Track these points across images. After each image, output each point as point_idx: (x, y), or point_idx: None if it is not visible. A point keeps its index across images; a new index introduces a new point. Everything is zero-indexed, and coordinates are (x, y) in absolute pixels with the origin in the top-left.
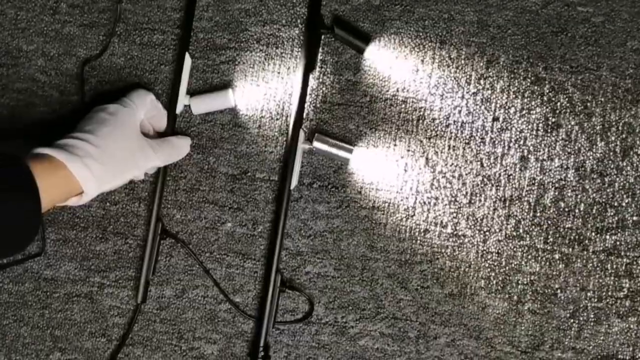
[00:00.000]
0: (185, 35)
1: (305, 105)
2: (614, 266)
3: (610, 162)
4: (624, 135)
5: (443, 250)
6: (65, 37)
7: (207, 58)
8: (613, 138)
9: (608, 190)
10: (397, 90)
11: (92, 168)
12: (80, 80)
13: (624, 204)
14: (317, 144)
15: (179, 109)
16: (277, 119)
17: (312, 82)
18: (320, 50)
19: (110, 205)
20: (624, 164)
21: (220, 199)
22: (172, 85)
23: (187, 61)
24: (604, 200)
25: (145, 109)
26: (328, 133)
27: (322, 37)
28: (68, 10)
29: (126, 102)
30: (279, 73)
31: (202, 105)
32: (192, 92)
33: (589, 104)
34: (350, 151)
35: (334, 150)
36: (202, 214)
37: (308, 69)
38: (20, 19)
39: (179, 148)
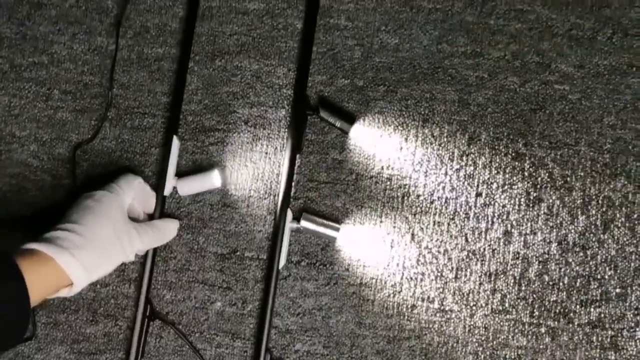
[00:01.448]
0: (173, 118)
1: (293, 185)
2: (600, 339)
3: (591, 235)
4: (604, 209)
5: (431, 326)
6: (57, 122)
7: (197, 140)
8: (594, 212)
9: (591, 263)
10: (382, 168)
11: (81, 259)
12: (72, 165)
13: (606, 277)
14: (304, 224)
15: (168, 190)
16: (265, 198)
17: (299, 162)
18: (307, 130)
19: (100, 287)
20: (605, 237)
21: (209, 279)
22: (160, 168)
23: (175, 144)
24: (587, 273)
25: (133, 192)
26: (315, 212)
27: (308, 118)
28: (61, 96)
29: (113, 188)
30: (266, 153)
31: (188, 186)
32: (181, 174)
33: (568, 179)
34: (337, 230)
35: (321, 230)
36: (192, 293)
37: (295, 149)
38: (14, 105)
39: (165, 231)
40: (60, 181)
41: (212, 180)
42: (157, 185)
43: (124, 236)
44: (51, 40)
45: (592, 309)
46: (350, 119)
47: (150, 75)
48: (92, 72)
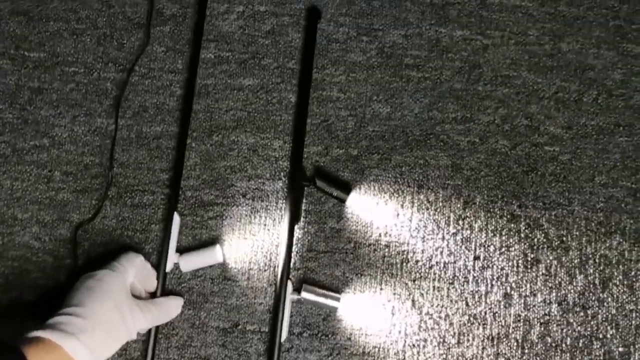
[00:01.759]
0: (173, 195)
1: (292, 256)
2: None
3: (591, 294)
4: (601, 268)
5: None
6: (59, 203)
7: (196, 215)
8: (591, 271)
9: (592, 322)
10: (380, 235)
11: (87, 343)
12: (73, 245)
13: (608, 336)
14: (305, 295)
15: (169, 267)
16: (265, 270)
17: (298, 232)
18: (304, 201)
19: None
20: (605, 295)
21: (212, 354)
22: (160, 245)
23: (176, 220)
24: (589, 333)
25: (135, 270)
26: (315, 282)
27: (305, 189)
28: (62, 177)
29: (114, 266)
30: (265, 225)
31: (191, 262)
32: (181, 250)
33: (564, 239)
34: (338, 299)
35: (322, 300)
36: None
37: (293, 220)
38: (16, 188)
39: (169, 309)
40: (61, 262)
41: (215, 255)
42: (159, 262)
43: (127, 315)
44: (52, 123)
45: None
46: (347, 188)
47: (149, 153)
48: (92, 153)
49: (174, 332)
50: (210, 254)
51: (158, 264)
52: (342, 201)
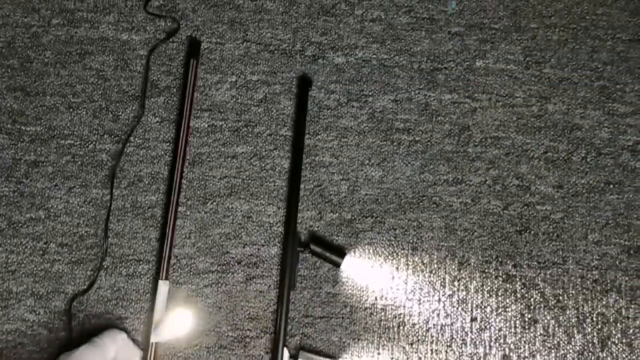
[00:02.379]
0: (165, 262)
1: (288, 321)
2: None
3: (590, 354)
4: (599, 326)
5: None
6: (54, 275)
7: (191, 282)
8: (589, 329)
9: None
10: (376, 299)
11: None
12: (68, 317)
13: None
14: None
15: (157, 338)
16: (261, 338)
17: (293, 298)
18: (299, 266)
19: None
20: (604, 354)
21: None
22: (149, 314)
23: (163, 288)
24: None
25: (116, 347)
26: (312, 349)
27: (300, 254)
28: (57, 249)
29: (94, 342)
30: (260, 292)
31: (168, 331)
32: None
33: (561, 298)
34: None
35: None
36: None
37: (288, 286)
38: (11, 262)
39: None
40: (56, 334)
41: (189, 321)
42: (147, 332)
43: None
44: (48, 195)
45: None
46: (341, 252)
47: (144, 222)
48: (87, 224)
49: None
50: (184, 320)
51: (147, 333)
52: (337, 265)
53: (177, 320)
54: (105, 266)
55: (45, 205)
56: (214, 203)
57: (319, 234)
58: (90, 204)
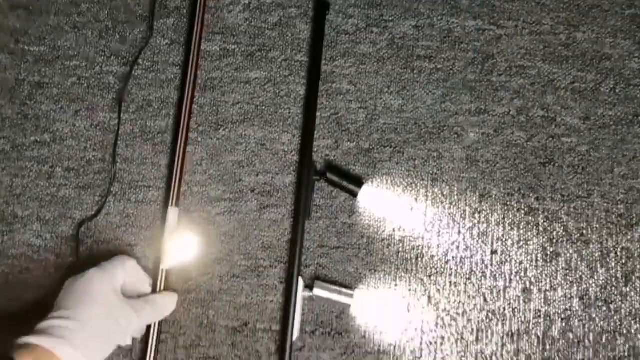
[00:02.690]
0: (176, 189)
1: (303, 252)
2: None
3: (613, 288)
4: (623, 261)
5: None
6: (60, 200)
7: (203, 210)
8: (613, 264)
9: (615, 317)
10: (394, 230)
11: (78, 347)
12: (76, 242)
13: (632, 331)
14: (317, 292)
15: (167, 265)
16: (275, 267)
17: (309, 228)
18: (315, 195)
19: None
20: (628, 289)
21: (221, 354)
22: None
23: (173, 214)
24: (612, 328)
25: (125, 272)
26: (328, 279)
27: (316, 183)
28: (64, 174)
29: (102, 265)
30: (275, 221)
31: (175, 258)
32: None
33: (584, 232)
34: (351, 296)
35: (335, 297)
36: None
37: (303, 215)
38: (16, 185)
39: (163, 306)
40: (64, 260)
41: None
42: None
43: (119, 314)
44: (53, 118)
45: None
46: (358, 182)
47: (153, 148)
48: (95, 148)
49: (181, 331)
50: (191, 245)
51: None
52: (354, 195)
53: (186, 246)
54: (114, 192)
55: (50, 128)
56: (227, 130)
57: (336, 163)
58: (98, 128)
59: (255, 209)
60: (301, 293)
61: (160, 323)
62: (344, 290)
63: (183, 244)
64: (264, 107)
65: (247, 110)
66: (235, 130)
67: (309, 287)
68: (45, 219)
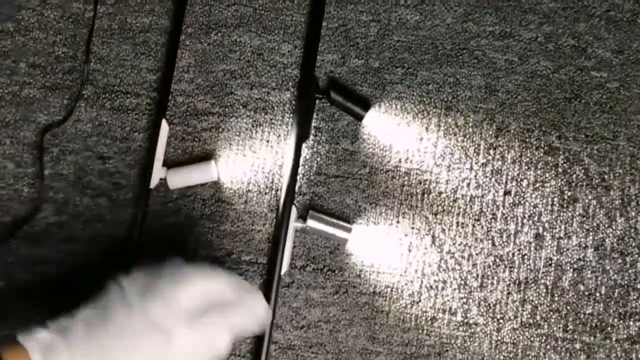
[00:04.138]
0: (163, 99)
1: (298, 178)
2: (639, 356)
3: (631, 240)
4: None
5: (452, 341)
6: (23, 101)
7: (187, 124)
8: (633, 214)
9: (630, 271)
10: (400, 161)
11: None
12: (40, 150)
13: None
14: (311, 223)
15: (154, 182)
16: (265, 194)
17: (306, 152)
18: (315, 116)
19: None
20: None
21: None
22: (146, 155)
23: (164, 128)
24: (626, 282)
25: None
26: (323, 209)
27: (317, 102)
28: (28, 70)
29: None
30: (268, 142)
31: (181, 178)
32: (169, 164)
33: (606, 177)
34: (348, 230)
35: (330, 230)
36: None
37: (301, 137)
38: None
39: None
40: (25, 170)
41: (209, 172)
42: (142, 175)
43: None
44: (18, 4)
45: (631, 323)
46: (365, 105)
47: (134, 49)
48: (65, 44)
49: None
50: (203, 170)
51: (142, 178)
52: (359, 118)
53: (198, 168)
54: (86, 96)
55: (14, 16)
56: (219, 34)
57: (341, 81)
58: (70, 20)
59: (246, 126)
60: (293, 223)
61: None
62: (340, 223)
63: (197, 168)
64: (263, 12)
65: (243, 14)
66: (229, 36)
67: (302, 217)
68: (4, 122)
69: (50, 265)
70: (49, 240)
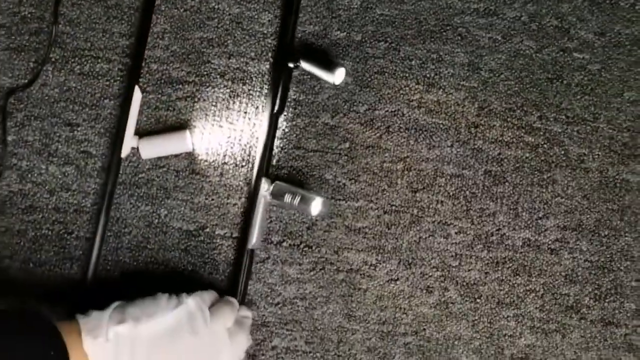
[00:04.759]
0: (136, 65)
1: (276, 152)
2: (613, 337)
3: (608, 222)
4: (622, 194)
5: (430, 320)
6: None
7: (161, 93)
8: (610, 196)
9: (606, 252)
10: (380, 137)
11: None
12: (3, 115)
13: (622, 268)
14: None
15: (125, 152)
16: (242, 166)
17: (284, 125)
18: (295, 89)
19: (35, 266)
20: (622, 224)
21: (172, 259)
22: (117, 123)
23: (137, 95)
24: (601, 263)
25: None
26: (294, 181)
27: (294, 73)
28: None
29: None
30: (245, 113)
31: (154, 148)
32: (141, 133)
33: (585, 158)
34: (310, 201)
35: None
36: (151, 277)
37: (274, 110)
38: None
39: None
40: None
41: (184, 142)
42: (113, 144)
43: None
44: None
45: (606, 304)
46: (333, 68)
47: (105, 12)
48: (31, 3)
49: (126, 230)
50: (177, 140)
51: (112, 147)
52: (333, 83)
53: (172, 138)
54: (53, 59)
55: None
56: (197, 0)
57: (311, 47)
58: None
59: (223, 97)
60: (264, 194)
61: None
62: (303, 192)
63: (171, 138)
64: None
65: None
66: (206, 2)
67: (275, 180)
68: None
69: (12, 236)
70: (12, 209)
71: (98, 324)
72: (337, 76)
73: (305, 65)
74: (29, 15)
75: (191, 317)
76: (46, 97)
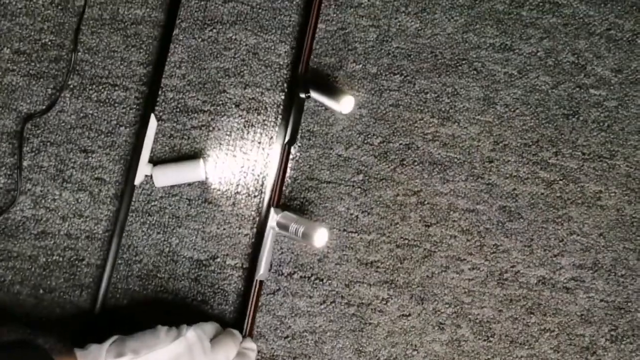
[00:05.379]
0: (152, 94)
1: (289, 182)
2: None
3: (625, 261)
4: (639, 232)
5: (441, 357)
6: (5, 88)
7: (176, 121)
8: (628, 235)
9: (622, 293)
10: (394, 170)
11: None
12: (20, 140)
13: (638, 307)
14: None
15: (139, 179)
16: (254, 196)
17: (297, 155)
18: (309, 119)
19: (44, 293)
20: (639, 264)
21: (182, 289)
22: (132, 151)
23: (152, 124)
24: (618, 304)
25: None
26: (304, 212)
27: (309, 104)
28: (12, 57)
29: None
30: (259, 143)
31: (167, 176)
32: (155, 161)
33: (601, 196)
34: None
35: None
36: (160, 306)
37: (285, 140)
38: None
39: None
40: (2, 159)
41: (197, 170)
42: (127, 171)
43: None
44: None
45: (623, 346)
46: (340, 97)
47: (124, 41)
48: (53, 31)
49: (136, 258)
50: (191, 168)
51: (126, 174)
52: (341, 111)
53: (185, 167)
54: (71, 86)
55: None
56: (214, 30)
57: (320, 78)
58: (59, 7)
59: (238, 126)
60: (273, 224)
61: (116, 250)
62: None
63: (185, 166)
64: (261, 10)
65: (240, 11)
66: (224, 33)
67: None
68: None
69: (23, 261)
70: (24, 235)
71: (95, 358)
72: (346, 105)
73: (315, 94)
74: (49, 43)
75: (190, 349)
76: (63, 124)
